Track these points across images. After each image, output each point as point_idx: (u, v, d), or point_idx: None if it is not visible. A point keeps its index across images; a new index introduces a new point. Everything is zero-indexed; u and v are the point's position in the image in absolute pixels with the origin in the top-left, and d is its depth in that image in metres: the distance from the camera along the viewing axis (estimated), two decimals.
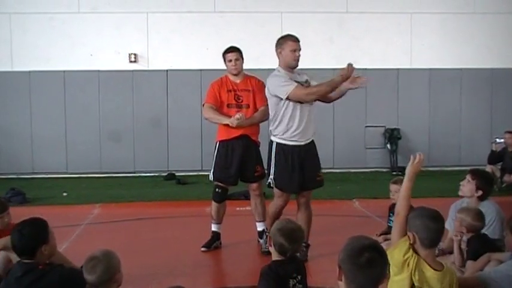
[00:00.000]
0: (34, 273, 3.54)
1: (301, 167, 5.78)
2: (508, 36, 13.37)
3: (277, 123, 5.79)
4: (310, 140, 5.88)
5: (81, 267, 3.58)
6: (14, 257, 4.11)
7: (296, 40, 5.79)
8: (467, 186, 5.13)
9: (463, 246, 4.61)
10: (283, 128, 5.75)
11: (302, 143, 5.79)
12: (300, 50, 5.77)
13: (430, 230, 3.30)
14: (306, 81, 5.86)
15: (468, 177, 5.15)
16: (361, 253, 2.61)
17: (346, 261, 2.64)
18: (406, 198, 3.67)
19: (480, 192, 5.07)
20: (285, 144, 5.79)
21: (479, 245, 4.47)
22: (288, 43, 5.77)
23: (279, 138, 5.82)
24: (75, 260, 4.34)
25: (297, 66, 5.83)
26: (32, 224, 3.71)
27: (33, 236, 3.62)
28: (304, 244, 5.67)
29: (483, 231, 4.91)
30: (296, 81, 5.73)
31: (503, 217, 4.99)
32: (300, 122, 5.73)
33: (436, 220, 3.35)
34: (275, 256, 3.70)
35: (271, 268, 3.67)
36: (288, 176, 5.79)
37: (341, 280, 2.68)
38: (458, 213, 4.67)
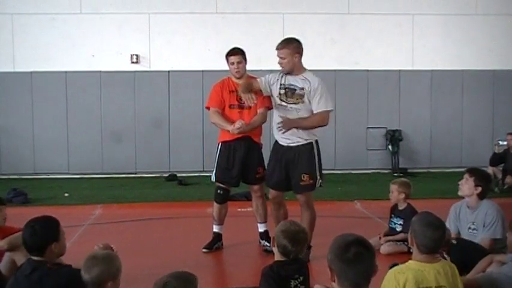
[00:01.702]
0: (43, 270, 3.56)
1: (286, 168, 5.88)
2: (510, 38, 13.36)
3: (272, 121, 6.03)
4: (300, 143, 5.84)
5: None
6: (18, 259, 4.12)
7: (278, 48, 5.78)
8: (465, 185, 5.16)
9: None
10: (273, 128, 5.95)
11: (286, 145, 5.85)
12: (281, 58, 5.73)
13: (426, 238, 3.28)
14: (302, 88, 5.76)
15: (466, 175, 5.18)
16: (347, 249, 2.63)
17: (335, 260, 2.66)
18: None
19: (479, 189, 5.09)
20: (276, 142, 5.99)
21: (463, 252, 4.47)
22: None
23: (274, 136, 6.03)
24: (76, 260, 4.34)
25: (286, 71, 5.80)
26: (44, 221, 3.74)
27: (45, 233, 3.65)
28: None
29: (486, 230, 4.93)
30: (288, 84, 5.79)
31: (504, 216, 5.01)
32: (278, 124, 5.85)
33: (434, 228, 3.32)
34: (278, 257, 3.72)
35: (272, 269, 3.67)
36: (270, 173, 6.02)
37: (334, 281, 2.69)
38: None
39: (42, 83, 12.47)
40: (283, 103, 5.81)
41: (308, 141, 5.86)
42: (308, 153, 5.87)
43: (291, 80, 5.79)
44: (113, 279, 3.29)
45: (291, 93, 5.78)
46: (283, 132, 5.75)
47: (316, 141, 5.94)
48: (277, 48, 5.79)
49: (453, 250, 4.46)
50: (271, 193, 6.08)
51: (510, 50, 13.36)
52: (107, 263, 3.30)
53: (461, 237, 5.19)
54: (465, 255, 4.42)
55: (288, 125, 5.72)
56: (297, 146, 5.84)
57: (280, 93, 5.81)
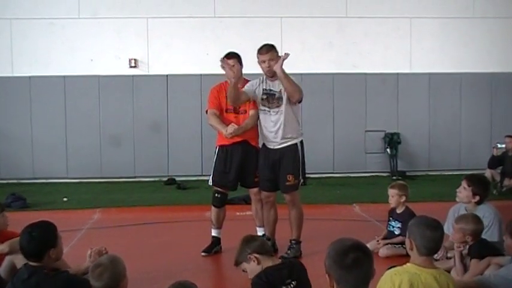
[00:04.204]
0: (40, 275, 3.55)
1: (272, 170, 6.08)
2: (508, 41, 13.39)
3: (258, 125, 6.22)
4: (285, 145, 6.04)
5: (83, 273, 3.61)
6: (18, 262, 4.12)
7: (263, 52, 5.94)
8: (463, 193, 5.15)
9: (464, 251, 4.60)
10: (260, 131, 6.20)
11: (271, 147, 6.07)
12: (269, 60, 5.88)
13: (426, 238, 3.28)
14: (280, 91, 5.98)
15: (464, 183, 5.16)
16: (345, 255, 2.63)
17: (333, 266, 2.66)
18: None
19: (477, 198, 5.09)
20: (264, 145, 6.20)
21: (481, 248, 4.47)
22: (257, 56, 5.99)
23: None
24: (76, 264, 4.34)
25: (271, 75, 5.97)
26: (42, 226, 3.73)
27: (43, 239, 3.64)
28: (294, 241, 6.13)
29: (483, 233, 4.92)
30: (268, 89, 5.99)
31: (501, 219, 5.01)
32: (263, 128, 6.09)
33: (434, 229, 3.33)
34: (266, 263, 3.67)
35: (260, 277, 3.58)
36: (261, 175, 6.19)
37: (333, 287, 2.69)
38: (457, 223, 4.65)
39: (40, 87, 12.48)
40: (266, 108, 6.02)
41: (293, 143, 6.06)
42: (293, 154, 6.08)
43: (271, 85, 6.01)
44: (123, 277, 3.39)
45: (271, 98, 6.00)
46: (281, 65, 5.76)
47: (301, 142, 6.15)
48: (262, 53, 5.95)
49: (473, 249, 4.48)
50: (263, 194, 6.24)
51: (508, 53, 13.39)
52: (114, 266, 3.37)
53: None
54: (484, 254, 4.41)
55: (280, 64, 5.76)
56: (283, 147, 6.04)
57: (262, 99, 6.03)
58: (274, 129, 6.00)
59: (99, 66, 12.60)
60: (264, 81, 6.03)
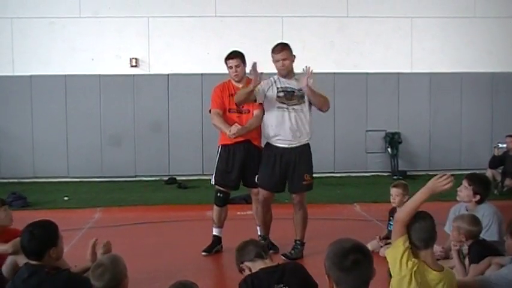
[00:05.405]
0: (40, 275, 3.55)
1: (285, 169, 6.01)
2: (508, 40, 13.38)
3: (263, 125, 6.12)
4: (300, 144, 6.02)
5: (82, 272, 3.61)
6: (21, 262, 4.12)
7: (277, 51, 5.98)
8: (464, 192, 5.15)
9: (465, 251, 4.60)
10: (266, 131, 6.08)
11: (286, 146, 5.99)
12: (282, 59, 5.94)
13: (419, 230, 3.27)
14: (300, 89, 5.97)
15: (464, 183, 5.15)
16: (345, 257, 2.62)
17: (333, 268, 2.65)
18: (413, 209, 3.33)
19: (478, 197, 5.09)
20: (270, 145, 6.07)
21: (481, 249, 4.46)
22: (272, 56, 6.02)
23: (266, 139, 6.13)
24: (76, 264, 4.34)
25: (285, 73, 6.01)
26: (43, 225, 3.73)
27: (43, 238, 3.63)
28: (298, 242, 6.12)
29: (483, 232, 4.93)
30: (284, 87, 5.97)
31: (501, 219, 5.00)
32: (279, 126, 5.96)
33: (423, 219, 3.31)
34: (259, 267, 3.64)
35: (246, 281, 3.52)
36: (268, 175, 6.05)
37: (332, 287, 2.69)
38: (454, 222, 4.66)
39: (41, 86, 12.47)
40: (283, 105, 5.94)
41: (307, 142, 6.07)
42: (307, 153, 6.09)
43: (287, 83, 5.98)
44: (124, 277, 3.39)
45: (289, 95, 5.95)
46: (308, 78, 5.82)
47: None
48: (276, 52, 5.97)
49: (473, 249, 4.47)
50: (265, 195, 6.16)
51: (509, 53, 13.38)
52: (114, 266, 3.38)
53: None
54: (484, 254, 4.41)
55: (309, 87, 5.84)
56: (298, 146, 6.00)
57: (278, 96, 5.96)
58: (295, 127, 5.94)
59: (100, 65, 12.59)
60: (278, 81, 6.01)
